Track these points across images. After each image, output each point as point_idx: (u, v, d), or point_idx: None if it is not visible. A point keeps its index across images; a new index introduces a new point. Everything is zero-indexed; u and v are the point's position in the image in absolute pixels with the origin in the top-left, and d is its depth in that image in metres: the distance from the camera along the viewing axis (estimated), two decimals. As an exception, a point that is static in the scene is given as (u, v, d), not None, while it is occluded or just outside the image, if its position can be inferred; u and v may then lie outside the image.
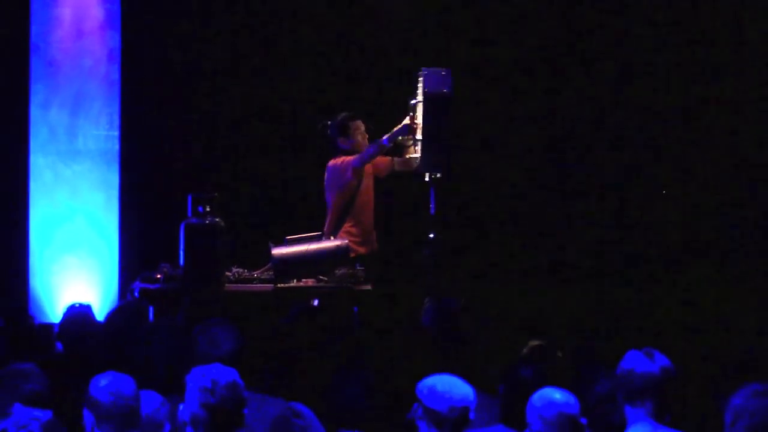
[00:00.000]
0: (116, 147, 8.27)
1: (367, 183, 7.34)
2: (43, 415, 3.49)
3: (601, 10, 8.42)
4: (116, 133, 8.27)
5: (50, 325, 7.03)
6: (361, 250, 7.25)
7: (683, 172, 8.35)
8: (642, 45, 8.42)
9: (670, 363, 3.89)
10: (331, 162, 7.32)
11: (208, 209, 6.80)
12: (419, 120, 6.93)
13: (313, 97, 8.46)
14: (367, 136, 7.30)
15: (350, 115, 7.32)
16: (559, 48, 8.43)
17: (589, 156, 8.47)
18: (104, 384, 3.75)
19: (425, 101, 6.85)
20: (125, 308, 5.66)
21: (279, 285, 6.91)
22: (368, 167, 7.31)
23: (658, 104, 8.42)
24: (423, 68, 6.85)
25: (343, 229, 7.29)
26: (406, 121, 7.02)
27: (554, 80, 8.45)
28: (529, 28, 8.49)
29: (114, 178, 8.26)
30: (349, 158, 7.22)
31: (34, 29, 8.19)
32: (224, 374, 3.79)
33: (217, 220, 6.82)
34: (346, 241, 7.10)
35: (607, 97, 8.45)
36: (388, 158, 7.31)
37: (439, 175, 6.88)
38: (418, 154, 7.06)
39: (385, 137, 7.13)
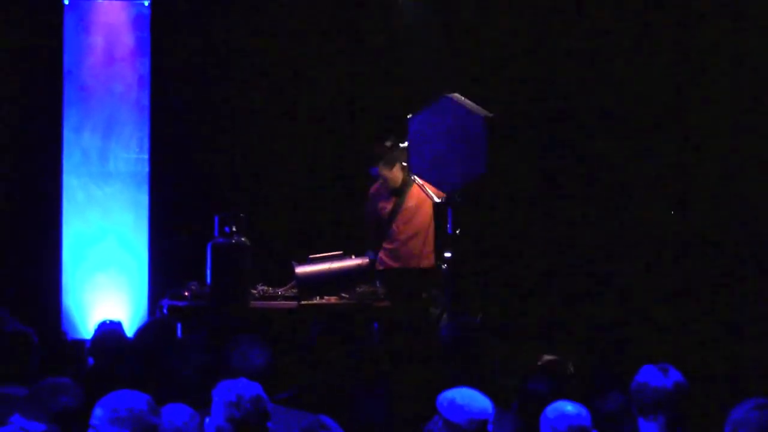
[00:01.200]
0: (146, 169, 8.31)
1: (409, 204, 7.51)
2: (36, 427, 3.43)
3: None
4: (146, 156, 8.31)
5: (82, 341, 7.22)
6: (393, 264, 7.47)
7: (693, 178, 8.33)
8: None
9: (683, 379, 3.95)
10: None
11: (234, 229, 6.93)
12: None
13: (341, 120, 8.53)
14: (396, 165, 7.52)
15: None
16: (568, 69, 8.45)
17: (599, 172, 8.48)
18: (129, 400, 3.69)
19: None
20: (154, 324, 5.78)
21: (302, 302, 7.11)
22: (417, 192, 7.43)
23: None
24: (454, 95, 6.69)
25: (383, 243, 7.55)
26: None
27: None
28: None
29: (144, 199, 8.31)
30: None
31: (68, 56, 8.24)
32: (249, 388, 3.82)
33: (242, 239, 6.97)
34: (367, 260, 7.29)
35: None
36: None
37: (459, 199, 6.91)
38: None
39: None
